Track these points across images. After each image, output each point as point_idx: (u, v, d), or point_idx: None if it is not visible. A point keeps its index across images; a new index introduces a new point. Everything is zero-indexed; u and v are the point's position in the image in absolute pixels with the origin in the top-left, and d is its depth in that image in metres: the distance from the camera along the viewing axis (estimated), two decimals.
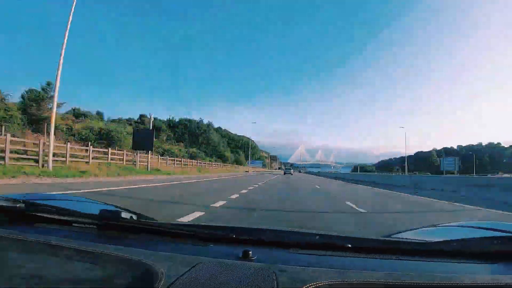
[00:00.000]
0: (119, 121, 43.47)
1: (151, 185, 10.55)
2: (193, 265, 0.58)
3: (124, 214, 0.83)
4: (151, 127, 22.40)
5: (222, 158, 61.86)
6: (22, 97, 23.25)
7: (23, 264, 0.63)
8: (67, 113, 29.57)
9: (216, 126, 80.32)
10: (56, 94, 12.57)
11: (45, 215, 0.90)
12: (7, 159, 10.44)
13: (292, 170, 64.83)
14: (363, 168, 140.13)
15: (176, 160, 31.10)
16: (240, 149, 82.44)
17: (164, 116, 67.93)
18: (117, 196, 6.74)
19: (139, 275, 0.56)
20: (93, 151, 17.13)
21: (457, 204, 8.26)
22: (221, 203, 5.96)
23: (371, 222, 4.89)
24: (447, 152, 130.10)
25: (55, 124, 12.98)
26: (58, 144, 14.87)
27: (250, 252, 0.65)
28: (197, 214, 4.46)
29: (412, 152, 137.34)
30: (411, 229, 1.07)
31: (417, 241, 0.84)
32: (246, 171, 55.06)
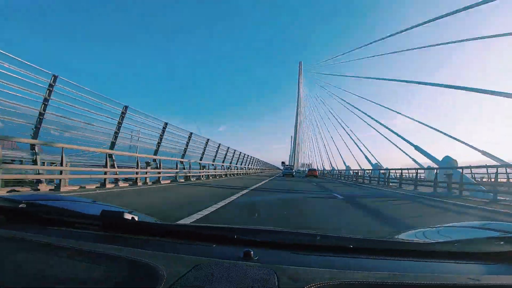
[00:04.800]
0: None
1: None
2: (194, 265, 0.58)
3: (126, 215, 0.83)
4: None
5: None
6: None
7: (25, 264, 0.63)
8: None
9: None
10: None
11: (46, 215, 0.90)
12: None
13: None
14: None
15: None
16: None
17: None
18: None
19: (140, 276, 0.56)
20: None
21: None
22: None
23: None
24: None
25: None
26: None
27: (252, 253, 0.65)
28: None
29: None
30: (411, 230, 1.06)
31: (418, 241, 0.84)
32: None
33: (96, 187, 7.92)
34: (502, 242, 0.75)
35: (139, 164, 9.63)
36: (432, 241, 0.84)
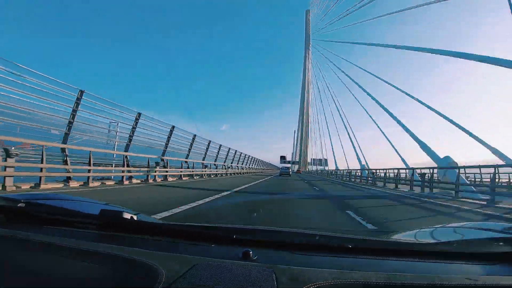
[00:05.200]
0: None
1: None
2: (193, 265, 0.58)
3: (125, 214, 0.83)
4: None
5: None
6: None
7: (24, 264, 0.63)
8: None
9: None
10: None
11: (45, 215, 0.90)
12: None
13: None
14: None
15: None
16: None
17: None
18: None
19: (139, 275, 0.56)
20: None
21: None
22: None
23: None
24: None
25: None
26: None
27: (251, 253, 0.65)
28: None
29: None
30: (411, 230, 1.07)
31: (417, 242, 0.85)
32: None
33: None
34: (501, 243, 0.76)
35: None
36: (432, 242, 0.85)
